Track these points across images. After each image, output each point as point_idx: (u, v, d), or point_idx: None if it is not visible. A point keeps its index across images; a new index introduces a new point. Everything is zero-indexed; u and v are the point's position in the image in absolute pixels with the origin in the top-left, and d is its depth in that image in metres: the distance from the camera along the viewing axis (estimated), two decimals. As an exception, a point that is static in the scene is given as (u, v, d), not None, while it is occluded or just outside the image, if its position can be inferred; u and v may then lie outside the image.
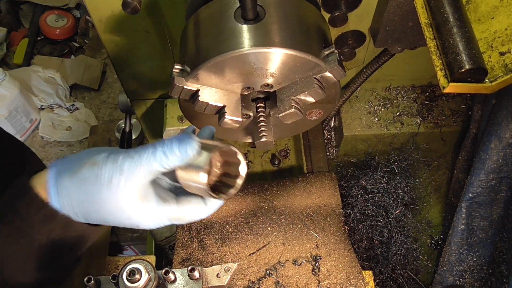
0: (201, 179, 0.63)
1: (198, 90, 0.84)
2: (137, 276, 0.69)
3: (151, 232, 1.44)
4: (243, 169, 0.69)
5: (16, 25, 2.99)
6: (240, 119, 0.88)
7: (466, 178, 1.29)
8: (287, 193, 1.21)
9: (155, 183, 0.67)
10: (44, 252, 0.66)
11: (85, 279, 0.74)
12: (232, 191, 0.69)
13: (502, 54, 0.82)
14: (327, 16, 1.10)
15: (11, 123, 2.53)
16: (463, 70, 0.77)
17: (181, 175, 0.65)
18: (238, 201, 1.18)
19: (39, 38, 2.93)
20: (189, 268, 0.77)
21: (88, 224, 0.67)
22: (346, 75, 0.94)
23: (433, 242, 1.45)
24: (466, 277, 1.28)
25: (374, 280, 1.11)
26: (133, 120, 1.77)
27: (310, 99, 0.86)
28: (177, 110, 1.29)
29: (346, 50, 1.24)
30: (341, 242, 1.12)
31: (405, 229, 1.40)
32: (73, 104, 2.73)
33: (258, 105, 0.94)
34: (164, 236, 1.41)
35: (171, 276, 0.77)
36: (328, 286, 1.04)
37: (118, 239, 1.97)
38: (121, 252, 2.06)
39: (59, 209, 0.64)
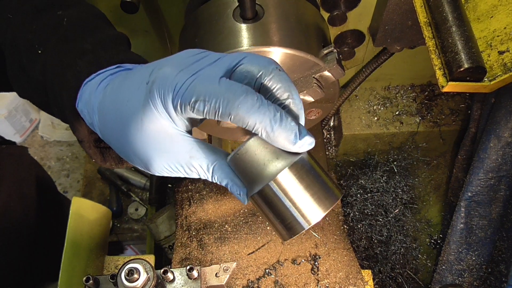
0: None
1: (196, 90, 0.84)
2: (136, 276, 0.69)
3: (150, 231, 1.44)
4: None
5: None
6: (239, 119, 0.88)
7: (465, 177, 1.29)
8: (287, 193, 1.21)
9: None
10: None
11: (84, 278, 0.74)
12: None
13: (501, 53, 0.82)
14: (326, 15, 1.10)
15: (11, 123, 2.53)
16: (461, 69, 0.77)
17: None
18: (237, 200, 1.18)
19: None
20: (188, 267, 0.77)
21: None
22: (345, 74, 0.94)
23: (432, 241, 1.45)
24: (465, 276, 1.28)
25: (373, 279, 1.11)
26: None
27: (309, 99, 0.86)
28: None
29: (346, 49, 1.24)
30: (340, 241, 1.12)
31: (404, 228, 1.40)
32: (73, 104, 2.73)
33: (257, 104, 0.94)
34: (163, 236, 1.41)
35: (170, 275, 0.77)
36: (327, 285, 1.04)
37: (118, 239, 1.97)
38: (121, 252, 2.07)
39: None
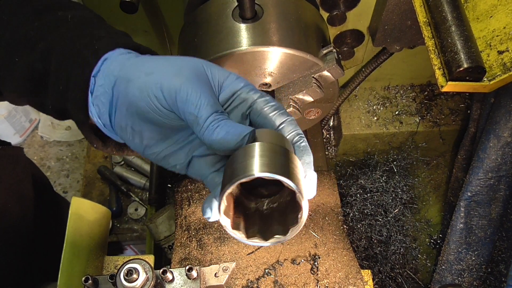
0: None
1: (196, 90, 0.84)
2: (135, 276, 0.69)
3: (150, 231, 1.44)
4: (302, 215, 0.49)
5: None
6: (238, 118, 0.88)
7: (465, 177, 1.29)
8: (286, 192, 1.21)
9: None
10: None
11: (83, 278, 0.74)
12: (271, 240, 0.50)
13: (500, 52, 0.82)
14: (325, 15, 1.10)
15: (11, 123, 2.53)
16: (461, 69, 0.77)
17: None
18: (237, 200, 1.18)
19: (38, 38, 2.92)
20: (187, 267, 0.77)
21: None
22: (345, 74, 0.94)
23: (432, 241, 1.45)
24: (465, 276, 1.28)
25: (373, 279, 1.11)
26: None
27: (309, 98, 0.86)
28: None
29: (345, 49, 1.24)
30: (340, 241, 1.12)
31: (404, 228, 1.40)
32: (73, 104, 2.73)
33: (257, 104, 0.94)
34: (163, 236, 1.41)
35: (169, 275, 0.76)
36: (326, 285, 1.04)
37: (118, 239, 1.97)
38: (121, 252, 2.07)
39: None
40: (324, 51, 0.84)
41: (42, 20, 0.70)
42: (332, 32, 1.19)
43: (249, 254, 1.08)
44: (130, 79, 0.59)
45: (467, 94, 1.46)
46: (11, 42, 0.70)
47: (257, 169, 0.47)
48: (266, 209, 0.55)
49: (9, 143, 1.18)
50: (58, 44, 0.66)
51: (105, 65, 0.62)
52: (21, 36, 0.69)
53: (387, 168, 1.47)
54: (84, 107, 0.64)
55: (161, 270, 0.76)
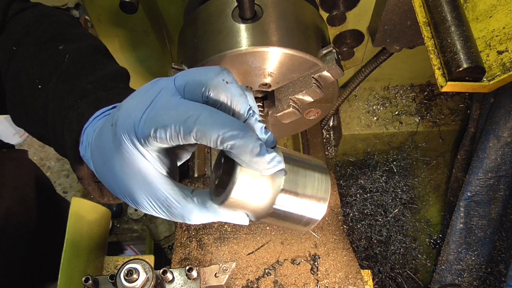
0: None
1: (196, 90, 0.84)
2: (135, 276, 0.69)
3: (150, 231, 1.44)
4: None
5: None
6: (238, 119, 0.88)
7: (465, 177, 1.29)
8: (286, 193, 1.21)
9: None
10: None
11: (83, 279, 0.74)
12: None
13: (500, 53, 0.82)
14: (325, 15, 1.10)
15: (10, 123, 2.53)
16: (460, 69, 0.77)
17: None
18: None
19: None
20: (187, 267, 0.77)
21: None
22: (344, 74, 0.94)
23: (432, 241, 1.45)
24: (464, 276, 1.28)
25: (373, 279, 1.11)
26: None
27: (308, 99, 0.86)
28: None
29: (345, 49, 1.24)
30: (340, 241, 1.12)
31: (404, 228, 1.40)
32: (72, 104, 2.73)
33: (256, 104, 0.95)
34: (163, 236, 1.42)
35: (169, 275, 0.77)
36: (326, 285, 1.04)
37: (118, 239, 1.97)
38: (121, 252, 2.07)
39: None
40: (324, 51, 0.84)
41: (41, 56, 0.71)
42: (332, 32, 1.19)
43: (249, 254, 1.08)
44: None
45: (467, 94, 1.46)
46: (15, 76, 0.72)
47: None
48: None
49: (12, 146, 1.18)
50: (53, 97, 0.68)
51: (84, 140, 0.63)
52: (23, 72, 0.71)
53: (387, 168, 1.47)
54: (78, 164, 0.65)
55: (161, 270, 0.76)
